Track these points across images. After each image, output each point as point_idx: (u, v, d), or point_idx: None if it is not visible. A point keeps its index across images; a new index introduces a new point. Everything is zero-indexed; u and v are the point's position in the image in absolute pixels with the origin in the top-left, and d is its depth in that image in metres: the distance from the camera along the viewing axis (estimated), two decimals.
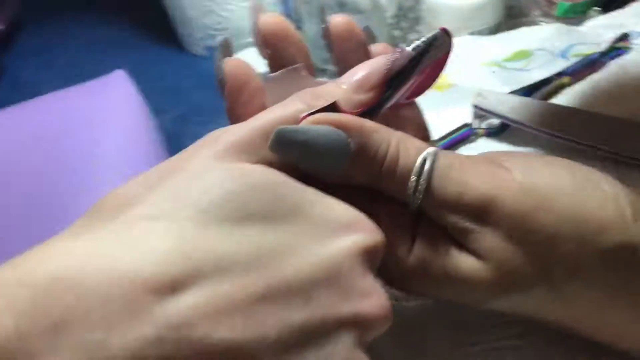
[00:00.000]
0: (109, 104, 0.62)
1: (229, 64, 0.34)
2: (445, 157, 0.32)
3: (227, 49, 0.35)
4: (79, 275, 0.22)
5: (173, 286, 0.22)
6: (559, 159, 0.33)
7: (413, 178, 0.31)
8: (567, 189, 0.31)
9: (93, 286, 0.21)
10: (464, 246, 0.32)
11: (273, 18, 0.35)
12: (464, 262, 0.31)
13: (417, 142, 0.32)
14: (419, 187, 0.31)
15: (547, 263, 0.31)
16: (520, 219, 0.30)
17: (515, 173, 0.31)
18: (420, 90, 0.38)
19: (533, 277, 0.31)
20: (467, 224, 0.31)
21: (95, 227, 0.25)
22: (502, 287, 0.31)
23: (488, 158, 0.34)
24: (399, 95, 0.35)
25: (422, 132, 0.38)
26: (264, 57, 0.36)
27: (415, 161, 0.31)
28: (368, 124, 0.31)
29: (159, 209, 0.25)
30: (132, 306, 0.21)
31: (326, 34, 0.36)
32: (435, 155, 0.31)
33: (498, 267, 0.31)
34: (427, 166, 0.31)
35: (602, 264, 0.31)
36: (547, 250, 0.30)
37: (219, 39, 0.32)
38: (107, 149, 0.58)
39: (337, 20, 0.36)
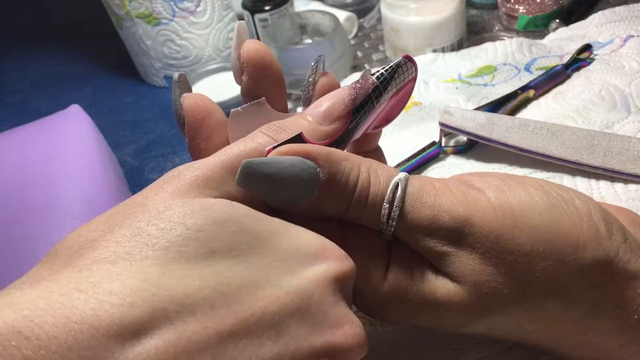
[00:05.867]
0: (65, 140, 0.60)
1: (187, 100, 0.33)
2: (417, 181, 0.31)
3: (184, 84, 0.34)
4: (38, 325, 0.20)
5: (136, 330, 0.21)
6: (532, 178, 0.33)
7: (386, 206, 0.30)
8: (541, 207, 0.31)
9: (52, 337, 0.20)
10: (440, 270, 0.31)
11: (257, 45, 0.34)
12: (441, 286, 0.31)
13: (387, 168, 0.32)
14: (392, 214, 0.30)
15: (524, 283, 0.30)
16: (495, 239, 0.30)
17: (488, 193, 0.31)
18: (389, 117, 0.37)
19: (511, 298, 0.30)
20: (443, 247, 0.30)
21: (53, 273, 0.24)
22: (480, 309, 0.31)
23: (459, 179, 0.33)
24: (366, 124, 0.35)
25: None
26: (239, 83, 0.35)
27: (386, 188, 0.31)
28: (336, 152, 0.31)
29: (118, 251, 0.24)
30: (94, 355, 0.20)
31: (310, 86, 0.35)
32: (406, 181, 0.31)
33: (475, 290, 0.30)
34: (399, 192, 0.30)
35: (580, 281, 0.30)
36: (523, 269, 0.30)
37: (175, 75, 0.31)
38: (64, 187, 0.57)
39: (324, 79, 0.35)
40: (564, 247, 0.30)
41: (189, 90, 0.34)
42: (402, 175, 0.31)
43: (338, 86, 0.35)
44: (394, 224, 0.30)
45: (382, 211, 0.30)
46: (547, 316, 0.31)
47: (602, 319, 0.31)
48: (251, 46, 0.34)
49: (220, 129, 0.33)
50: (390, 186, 0.30)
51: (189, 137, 0.33)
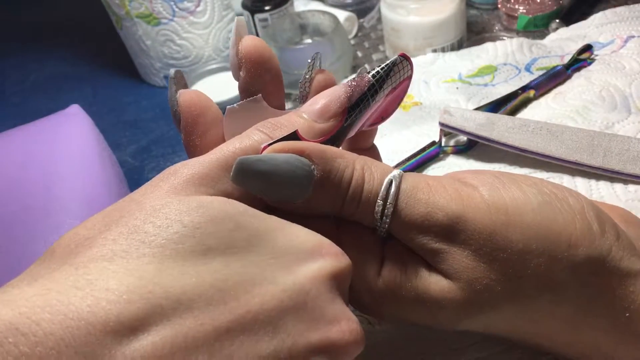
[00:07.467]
0: (65, 140, 0.60)
1: (183, 96, 0.33)
2: (411, 178, 0.31)
3: (180, 80, 0.34)
4: (34, 323, 0.20)
5: (133, 326, 0.21)
6: (526, 176, 0.33)
7: (379, 202, 0.30)
8: (534, 205, 0.31)
9: (49, 333, 0.20)
10: (433, 267, 0.31)
11: (256, 41, 0.34)
12: (434, 283, 0.31)
13: (382, 166, 0.32)
14: (386, 211, 0.30)
15: (516, 280, 0.30)
16: (489, 236, 0.30)
17: (482, 190, 0.31)
18: (384, 115, 0.37)
19: (503, 295, 0.30)
20: (436, 244, 0.31)
21: (50, 271, 0.24)
22: (473, 306, 0.31)
23: (454, 177, 0.33)
24: (362, 122, 0.35)
25: None
26: (237, 79, 0.35)
27: (380, 185, 0.31)
28: (331, 149, 0.31)
29: (115, 248, 0.24)
30: (90, 351, 0.20)
31: (307, 83, 0.36)
32: (400, 178, 0.31)
33: (468, 287, 0.30)
34: (392, 189, 0.30)
35: (572, 278, 0.30)
36: (516, 266, 0.30)
37: (171, 71, 0.31)
38: (64, 186, 0.56)
39: (320, 76, 0.36)
40: (557, 245, 0.30)
41: (185, 86, 0.35)
42: (396, 172, 0.31)
43: (334, 83, 0.36)
44: (387, 220, 0.31)
45: (376, 208, 0.31)
46: (539, 313, 0.31)
47: (594, 317, 0.31)
48: (249, 42, 0.34)
49: (216, 126, 0.33)
50: (384, 183, 0.31)
51: (184, 133, 0.33)
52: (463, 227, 0.30)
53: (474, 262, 0.30)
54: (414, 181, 0.31)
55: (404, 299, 0.31)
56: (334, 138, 0.33)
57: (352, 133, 0.34)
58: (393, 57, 0.35)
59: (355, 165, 0.31)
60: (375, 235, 0.32)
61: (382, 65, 0.34)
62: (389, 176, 0.31)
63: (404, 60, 0.35)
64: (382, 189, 0.30)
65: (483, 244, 0.30)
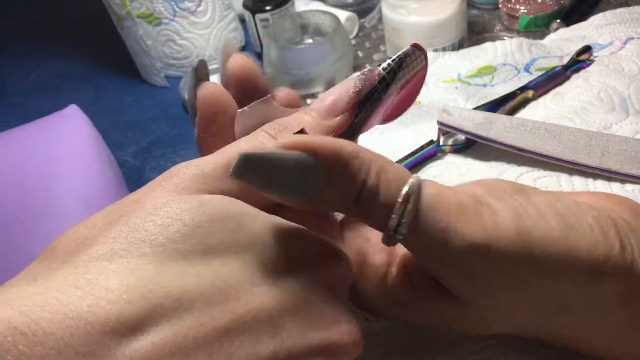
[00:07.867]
0: (63, 140, 0.60)
1: (204, 90, 0.32)
2: (431, 194, 0.27)
3: (202, 72, 0.33)
4: (34, 322, 0.21)
5: (133, 326, 0.22)
6: (543, 193, 0.30)
7: (394, 217, 0.26)
8: (557, 233, 0.28)
9: (48, 333, 0.20)
10: (445, 289, 0.29)
11: (242, 60, 0.33)
12: (445, 300, 0.29)
13: (398, 172, 0.28)
14: (400, 228, 0.27)
15: (534, 307, 0.29)
16: (509, 268, 0.27)
17: (505, 216, 0.28)
18: (400, 109, 0.36)
19: (518, 317, 0.29)
20: (450, 270, 0.28)
21: (50, 270, 0.24)
22: (483, 325, 0.30)
23: (473, 195, 0.29)
24: (375, 117, 0.34)
25: None
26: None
27: (396, 196, 0.26)
28: (346, 148, 0.27)
29: (115, 247, 0.24)
30: (90, 351, 0.21)
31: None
32: (419, 192, 0.27)
33: (481, 311, 0.29)
34: (410, 206, 0.26)
35: (592, 300, 0.29)
36: (536, 295, 0.28)
37: (195, 61, 0.30)
38: (62, 187, 0.57)
39: (282, 93, 0.35)
40: (580, 274, 0.28)
41: (207, 78, 0.33)
42: (414, 182, 0.27)
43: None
44: (400, 237, 0.27)
45: (390, 222, 0.27)
46: (554, 329, 0.31)
47: (612, 323, 0.30)
48: (236, 61, 0.33)
49: (233, 125, 0.32)
50: (402, 195, 0.26)
51: (198, 129, 0.32)
52: (482, 257, 0.27)
53: (489, 291, 0.28)
54: (434, 199, 0.27)
55: (409, 305, 0.30)
56: (345, 134, 0.32)
57: (367, 128, 0.33)
58: (405, 48, 0.33)
59: (370, 172, 0.27)
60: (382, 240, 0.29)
61: (394, 57, 0.33)
62: (407, 188, 0.26)
63: (417, 50, 0.33)
64: (399, 205, 0.26)
65: (502, 274, 0.27)
